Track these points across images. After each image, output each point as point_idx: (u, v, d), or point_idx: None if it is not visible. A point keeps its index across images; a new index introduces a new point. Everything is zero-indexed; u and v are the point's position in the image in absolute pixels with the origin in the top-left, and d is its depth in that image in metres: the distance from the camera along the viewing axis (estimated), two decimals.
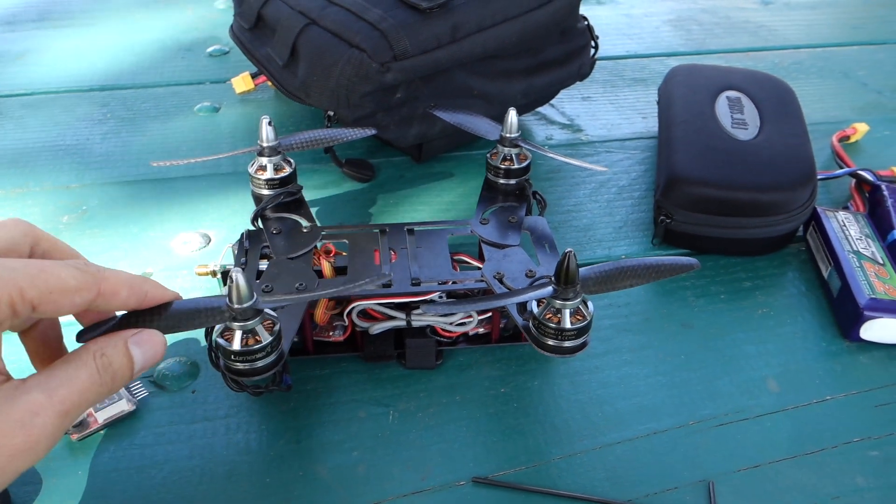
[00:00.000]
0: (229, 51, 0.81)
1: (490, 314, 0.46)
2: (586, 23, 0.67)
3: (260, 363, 0.38)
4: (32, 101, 0.71)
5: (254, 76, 0.72)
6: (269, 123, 0.49)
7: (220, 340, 0.37)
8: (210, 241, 0.56)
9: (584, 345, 0.39)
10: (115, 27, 0.86)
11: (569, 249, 0.37)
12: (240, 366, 0.38)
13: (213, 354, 0.40)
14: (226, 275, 0.48)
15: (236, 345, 0.37)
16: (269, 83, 0.73)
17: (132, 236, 0.56)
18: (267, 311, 0.38)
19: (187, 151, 0.65)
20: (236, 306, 0.36)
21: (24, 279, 0.29)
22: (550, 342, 0.39)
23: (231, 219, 0.58)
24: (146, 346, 0.34)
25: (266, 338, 0.37)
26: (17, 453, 0.28)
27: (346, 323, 0.46)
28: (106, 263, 0.52)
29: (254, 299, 0.37)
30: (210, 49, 0.81)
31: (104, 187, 0.61)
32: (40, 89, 0.73)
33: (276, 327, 0.38)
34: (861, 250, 0.53)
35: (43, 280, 0.29)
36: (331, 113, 0.59)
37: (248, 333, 0.37)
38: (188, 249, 0.55)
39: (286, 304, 0.42)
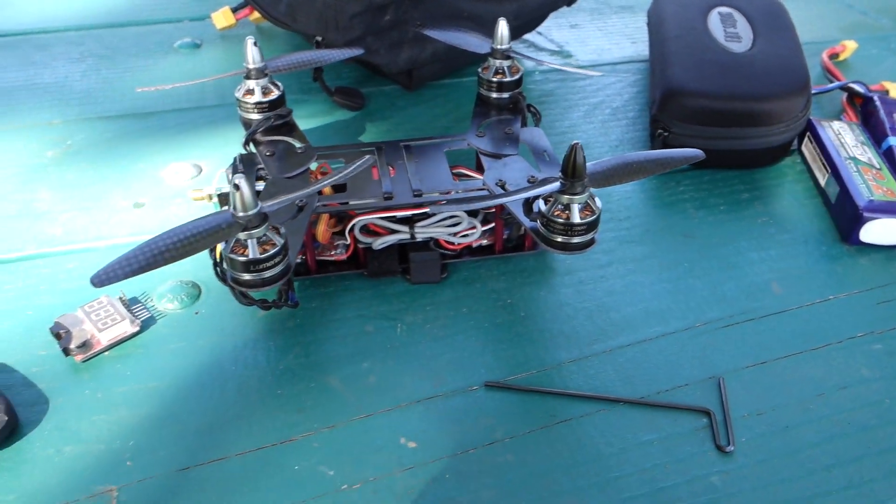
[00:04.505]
0: None
1: (493, 224, 0.46)
2: None
3: (268, 273, 0.37)
4: (5, 42, 0.69)
5: (234, 10, 0.70)
6: (255, 44, 0.48)
7: (231, 254, 0.36)
8: (201, 171, 0.54)
9: (591, 241, 0.39)
10: None
11: (575, 142, 0.36)
12: (247, 277, 0.37)
13: (218, 270, 0.39)
14: (223, 197, 0.47)
15: (250, 254, 0.36)
16: (251, 18, 0.72)
17: (122, 168, 0.54)
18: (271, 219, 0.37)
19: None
20: (241, 214, 0.35)
21: None
22: (559, 238, 0.38)
23: (222, 149, 0.56)
24: None
25: (278, 242, 0.36)
26: None
27: (348, 241, 0.45)
28: (96, 195, 0.52)
29: (258, 206, 0.36)
30: None
31: (89, 122, 0.59)
32: (12, 30, 0.71)
33: (283, 237, 0.37)
34: (858, 156, 0.53)
35: None
36: (319, 38, 0.57)
37: (258, 241, 0.36)
38: (180, 179, 0.53)
39: (296, 210, 0.41)
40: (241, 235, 0.36)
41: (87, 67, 0.66)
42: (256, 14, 0.70)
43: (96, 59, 0.67)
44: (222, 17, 0.70)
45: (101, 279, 0.32)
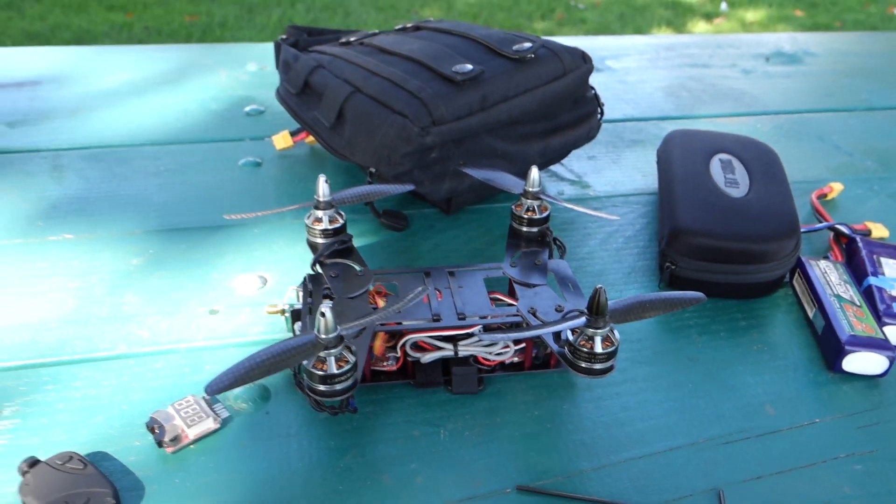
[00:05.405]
0: (265, 110, 0.89)
1: (524, 344, 0.53)
2: (594, 91, 0.76)
3: (339, 386, 0.45)
4: (91, 154, 0.78)
5: (293, 134, 0.80)
6: (326, 181, 0.56)
7: (312, 368, 0.44)
8: (267, 282, 0.62)
9: (611, 368, 0.46)
10: (156, 89, 0.93)
11: (599, 286, 0.44)
12: (322, 388, 0.44)
13: (296, 379, 0.46)
14: (295, 313, 0.54)
15: (328, 369, 0.43)
16: (307, 141, 0.81)
17: (197, 277, 0.62)
18: (347, 339, 0.44)
19: (236, 202, 0.72)
20: (324, 336, 0.43)
21: None
22: (583, 364, 0.46)
23: (284, 262, 0.64)
24: None
25: (350, 360, 0.44)
26: None
27: (399, 354, 0.52)
28: (176, 302, 0.59)
29: (338, 329, 0.43)
30: (247, 109, 0.89)
31: (166, 234, 0.67)
32: (98, 143, 0.80)
33: (355, 355, 0.45)
34: (841, 294, 0.60)
35: None
36: (373, 170, 0.66)
37: (335, 359, 0.43)
38: (249, 290, 0.61)
39: (360, 330, 0.48)
40: (322, 353, 0.43)
41: (162, 181, 0.75)
42: (311, 137, 0.80)
43: (170, 174, 0.76)
44: (282, 140, 0.80)
45: (213, 389, 0.40)
